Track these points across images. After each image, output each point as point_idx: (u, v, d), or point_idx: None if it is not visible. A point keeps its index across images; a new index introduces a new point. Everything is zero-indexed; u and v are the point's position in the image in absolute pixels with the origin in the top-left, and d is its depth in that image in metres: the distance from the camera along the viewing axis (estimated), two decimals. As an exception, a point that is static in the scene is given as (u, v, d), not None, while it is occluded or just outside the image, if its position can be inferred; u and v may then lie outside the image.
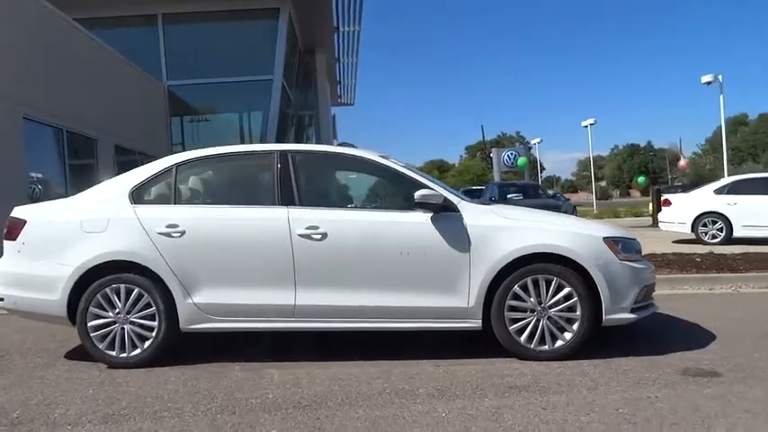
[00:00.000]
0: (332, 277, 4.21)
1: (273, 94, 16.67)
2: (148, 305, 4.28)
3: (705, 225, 12.69)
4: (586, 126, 39.08)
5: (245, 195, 4.58)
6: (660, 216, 14.00)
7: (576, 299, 4.14)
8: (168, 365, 4.27)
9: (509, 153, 36.25)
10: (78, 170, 11.73)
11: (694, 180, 50.24)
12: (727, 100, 26.11)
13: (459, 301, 4.17)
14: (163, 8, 16.24)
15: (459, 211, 4.25)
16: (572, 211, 22.50)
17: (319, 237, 4.19)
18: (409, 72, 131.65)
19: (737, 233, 12.34)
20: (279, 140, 17.05)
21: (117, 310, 4.29)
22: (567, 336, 4.17)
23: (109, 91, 12.94)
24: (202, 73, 16.79)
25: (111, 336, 4.30)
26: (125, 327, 4.29)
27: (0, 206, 8.53)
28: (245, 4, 16.31)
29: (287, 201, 4.32)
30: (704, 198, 12.89)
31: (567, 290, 4.15)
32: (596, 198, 41.89)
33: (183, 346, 4.56)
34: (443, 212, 4.22)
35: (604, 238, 4.27)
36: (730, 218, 12.43)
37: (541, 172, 44.54)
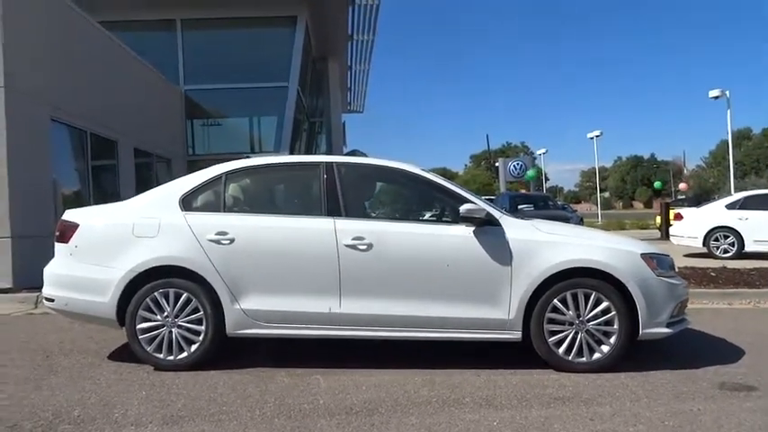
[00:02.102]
0: (376, 287, 4.33)
1: (288, 101, 16.81)
2: (196, 310, 4.40)
3: (717, 239, 12.82)
4: (592, 138, 39.33)
5: (292, 205, 4.71)
6: (672, 230, 14.12)
7: (613, 313, 4.25)
8: (213, 369, 4.38)
9: (515, 163, 36.35)
10: (100, 171, 11.87)
11: (698, 193, 50.42)
12: (737, 114, 26.23)
13: (499, 312, 4.28)
14: (182, 14, 16.40)
15: (500, 224, 4.38)
16: (579, 222, 22.61)
17: (365, 247, 4.31)
18: (416, 80, 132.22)
19: (749, 248, 12.47)
20: (291, 147, 17.19)
21: (165, 314, 4.41)
22: (605, 349, 4.28)
23: (129, 94, 13.08)
24: (219, 78, 16.94)
25: (158, 339, 4.42)
26: (173, 330, 4.41)
27: (30, 206, 8.77)
28: (264, 12, 16.47)
29: (333, 211, 4.44)
30: (716, 213, 13.03)
31: (605, 304, 4.26)
32: (602, 209, 41.95)
33: (226, 352, 4.67)
34: (486, 226, 4.35)
35: (642, 254, 4.38)
36: (742, 233, 12.57)
37: (546, 182, 44.68)
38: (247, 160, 4.85)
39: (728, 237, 12.70)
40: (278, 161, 4.81)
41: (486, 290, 4.29)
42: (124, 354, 4.87)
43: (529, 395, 3.80)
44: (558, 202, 27.14)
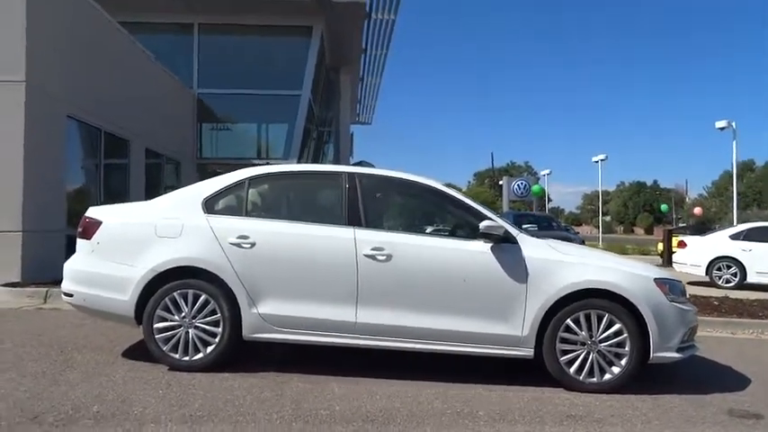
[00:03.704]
0: (393, 298, 4.39)
1: (300, 109, 16.94)
2: (214, 312, 4.46)
3: (720, 269, 12.89)
4: (597, 161, 39.45)
5: (313, 213, 4.78)
6: (675, 257, 14.20)
7: (625, 335, 4.31)
8: (228, 372, 4.43)
9: (519, 182, 36.46)
10: (111, 170, 11.96)
11: (699, 222, 50.48)
12: (740, 145, 26.43)
13: (513, 329, 4.34)
14: (200, 18, 16.58)
15: (517, 242, 4.45)
16: (581, 244, 22.67)
17: (384, 258, 4.38)
18: (424, 95, 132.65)
19: (751, 279, 12.54)
20: (300, 155, 17.30)
21: (183, 315, 4.46)
22: (615, 370, 4.34)
23: (143, 94, 13.19)
24: (232, 83, 17.07)
25: (175, 339, 4.47)
26: (190, 331, 4.46)
27: (42, 201, 8.84)
28: (281, 21, 16.64)
29: (354, 221, 4.52)
30: (720, 242, 13.12)
31: (617, 326, 4.32)
32: (603, 233, 42.00)
33: (240, 355, 4.72)
34: (503, 243, 4.42)
35: (655, 279, 4.46)
36: (745, 263, 12.65)
37: (548, 203, 44.83)
38: (270, 167, 4.93)
39: (731, 267, 12.78)
40: (301, 169, 4.89)
41: (501, 306, 4.35)
42: (137, 352, 4.93)
43: (542, 412, 3.85)
44: (562, 224, 27.20)
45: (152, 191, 14.20)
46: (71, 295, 4.70)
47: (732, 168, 28.79)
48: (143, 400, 3.79)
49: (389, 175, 4.78)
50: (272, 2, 15.59)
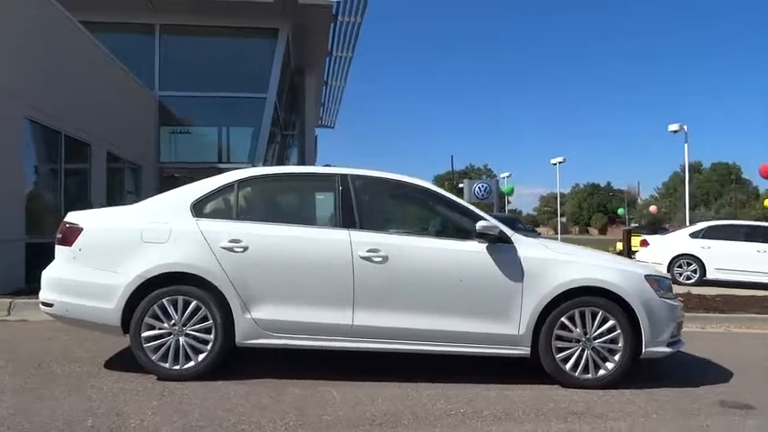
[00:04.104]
0: (390, 300, 4.35)
1: (266, 112, 16.70)
2: (205, 318, 4.32)
3: (680, 266, 13.30)
4: (556, 164, 40.31)
5: (306, 215, 4.71)
6: (638, 255, 14.58)
7: (619, 331, 4.39)
8: (220, 380, 4.30)
9: (480, 185, 36.90)
10: (72, 176, 11.53)
11: (651, 221, 52.13)
12: (690, 148, 27.47)
13: (510, 328, 4.36)
14: (162, 19, 16.16)
15: (512, 242, 4.47)
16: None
17: (380, 260, 4.34)
18: (384, 99, 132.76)
19: (710, 276, 12.99)
20: (265, 159, 17.07)
21: (173, 322, 4.32)
22: (609, 366, 4.41)
23: (105, 96, 12.78)
24: (195, 86, 16.71)
25: (165, 347, 4.32)
26: (180, 339, 4.32)
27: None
28: (245, 22, 16.38)
29: (348, 223, 4.46)
30: (680, 241, 13.54)
31: (610, 322, 4.39)
32: (561, 233, 42.93)
33: (228, 362, 4.59)
34: (498, 243, 4.43)
35: (645, 276, 4.55)
36: (704, 261, 13.09)
37: (507, 205, 45.53)
38: (260, 168, 4.82)
39: (691, 264, 13.19)
40: (292, 171, 4.82)
41: (497, 305, 4.36)
42: (121, 363, 4.74)
43: (544, 409, 3.88)
44: (527, 226, 27.64)
45: (113, 197, 13.80)
46: (51, 305, 4.48)
47: (685, 170, 29.88)
48: (138, 412, 3.64)
49: (383, 176, 4.74)
50: (236, 3, 15.34)
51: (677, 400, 4.21)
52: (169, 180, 16.97)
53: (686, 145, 27.73)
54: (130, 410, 3.66)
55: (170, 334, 4.32)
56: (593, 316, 4.40)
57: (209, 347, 4.32)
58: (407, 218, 5.01)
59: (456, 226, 4.65)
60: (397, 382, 4.41)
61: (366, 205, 4.61)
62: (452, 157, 54.25)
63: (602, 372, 4.40)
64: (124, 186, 14.46)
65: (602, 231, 79.72)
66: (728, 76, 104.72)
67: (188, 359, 4.33)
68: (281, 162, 22.57)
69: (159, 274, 4.30)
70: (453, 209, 4.69)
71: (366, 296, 4.33)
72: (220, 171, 16.45)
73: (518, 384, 4.43)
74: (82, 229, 4.47)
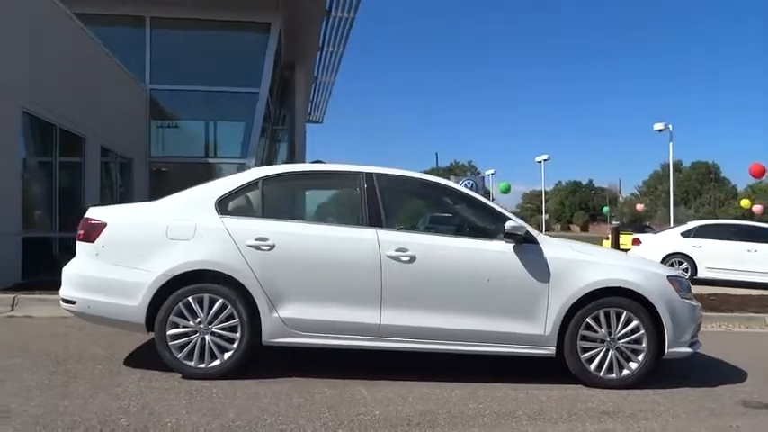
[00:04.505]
0: (417, 299, 4.36)
1: (258, 107, 16.54)
2: (231, 317, 4.29)
3: (672, 265, 13.47)
4: (540, 161, 40.64)
5: (331, 214, 4.69)
6: (630, 254, 14.76)
7: (642, 332, 4.44)
8: (246, 379, 4.26)
9: (466, 182, 36.87)
10: (66, 169, 11.35)
11: (632, 219, 52.76)
12: (666, 146, 27.93)
13: (536, 328, 4.39)
14: (152, 11, 15.91)
15: (538, 242, 4.50)
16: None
17: (407, 259, 4.34)
18: (371, 96, 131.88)
19: (701, 274, 13.20)
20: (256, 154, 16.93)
21: (198, 320, 4.27)
22: (633, 366, 4.46)
23: (99, 90, 12.58)
24: (186, 80, 16.49)
25: (190, 345, 4.27)
26: (206, 337, 4.28)
27: None
28: (237, 16, 16.21)
29: (374, 222, 4.44)
30: (672, 240, 13.74)
31: (634, 323, 4.44)
32: (545, 230, 43.32)
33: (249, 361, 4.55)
34: (524, 243, 4.46)
35: (667, 277, 4.61)
36: (695, 260, 13.30)
37: (492, 201, 45.77)
38: (283, 166, 4.79)
39: (683, 263, 13.39)
40: (315, 169, 4.77)
41: (524, 305, 4.39)
42: (140, 360, 4.69)
43: (575, 409, 3.91)
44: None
45: (106, 190, 13.62)
46: (73, 302, 4.41)
47: (669, 169, 30.30)
48: (171, 410, 3.60)
49: (409, 175, 4.74)
50: (229, -4, 15.19)
51: (700, 400, 4.27)
52: (157, 174, 16.79)
53: (671, 144, 28.18)
54: (162, 409, 3.61)
55: (195, 332, 4.28)
56: (618, 316, 4.44)
57: (234, 346, 4.29)
58: (432, 217, 4.99)
59: (481, 226, 4.67)
60: (424, 381, 4.41)
61: (392, 204, 4.61)
62: (437, 154, 54.37)
63: (625, 372, 4.46)
64: (116, 180, 14.26)
65: (584, 229, 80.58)
66: (709, 77, 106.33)
67: (213, 358, 4.29)
68: (270, 157, 22.43)
69: (186, 272, 4.25)
70: (479, 209, 4.71)
71: (394, 295, 4.33)
72: (211, 166, 16.32)
73: (543, 384, 4.47)
74: (105, 225, 4.40)
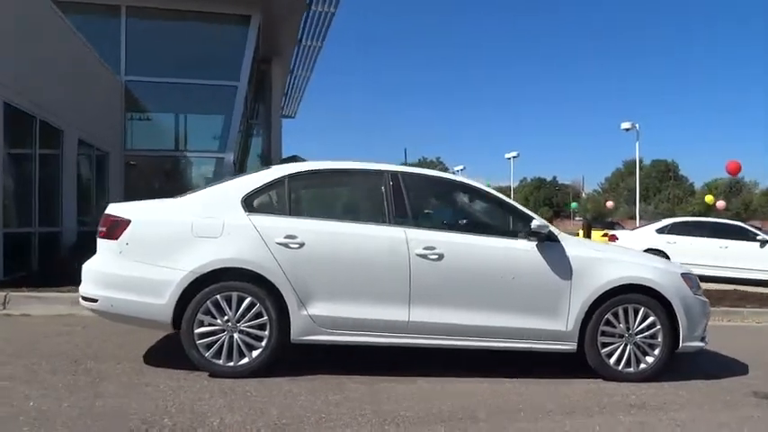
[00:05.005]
0: (445, 297, 4.42)
1: (237, 101, 16.32)
2: (259, 315, 4.27)
3: (647, 261, 13.91)
4: (509, 158, 41.23)
5: (358, 212, 4.69)
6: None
7: (659, 327, 4.60)
8: (273, 377, 4.25)
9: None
10: (45, 163, 11.01)
11: (595, 215, 53.94)
12: (630, 144, 28.74)
13: (558, 324, 4.50)
14: (128, 0, 15.57)
15: (559, 241, 4.61)
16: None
17: (436, 257, 4.39)
18: (340, 91, 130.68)
19: (675, 270, 13.62)
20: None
21: (226, 318, 4.24)
22: (649, 360, 4.62)
23: (76, 81, 12.23)
24: (163, 72, 16.13)
25: (218, 344, 4.24)
26: (234, 335, 4.25)
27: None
28: (216, 8, 15.95)
29: (401, 221, 4.48)
30: (647, 236, 14.17)
31: (651, 318, 4.60)
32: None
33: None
34: (547, 242, 4.56)
35: (681, 274, 4.78)
36: (670, 256, 13.71)
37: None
38: (307, 164, 4.76)
39: (658, 259, 13.80)
40: (340, 166, 4.77)
41: (547, 302, 4.50)
42: (161, 359, 4.63)
43: (603, 402, 4.05)
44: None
45: (84, 184, 13.26)
46: (94, 300, 4.32)
47: (634, 166, 31.24)
48: (212, 410, 3.58)
49: (434, 174, 4.80)
50: (209, -12, 14.94)
51: (714, 391, 4.47)
52: (133, 168, 16.45)
53: (637, 143, 28.98)
54: (202, 409, 3.59)
55: (223, 330, 4.25)
56: (636, 312, 4.60)
57: (263, 344, 4.27)
58: (457, 216, 5.05)
59: (505, 224, 4.75)
60: (448, 377, 4.49)
61: (418, 203, 4.65)
62: (405, 149, 54.53)
63: (642, 366, 4.61)
64: (93, 174, 13.90)
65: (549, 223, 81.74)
66: (669, 76, 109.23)
67: (242, 356, 4.27)
68: (245, 151, 22.17)
69: (215, 270, 4.22)
70: (502, 208, 4.80)
71: (422, 293, 4.38)
72: (189, 160, 16.04)
73: (561, 379, 4.59)
74: (129, 222, 4.32)
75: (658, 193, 64.58)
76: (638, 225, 25.29)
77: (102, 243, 4.40)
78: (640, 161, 72.71)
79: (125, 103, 16.00)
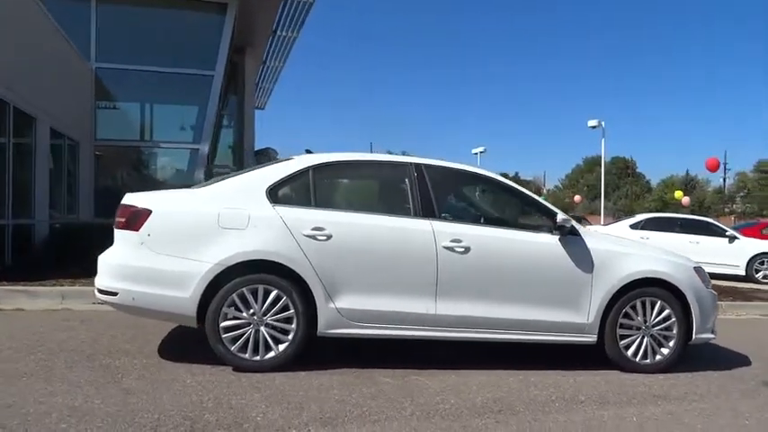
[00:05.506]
0: (471, 289, 4.43)
1: (213, 91, 15.93)
2: (286, 308, 4.20)
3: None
4: (476, 153, 41.55)
5: (382, 204, 4.65)
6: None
7: (674, 320, 4.72)
8: (299, 371, 4.19)
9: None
10: (19, 150, 10.57)
11: (562, 210, 54.37)
12: (591, 142, 29.45)
13: (580, 317, 4.58)
14: (99, -17, 15.03)
15: (580, 235, 4.68)
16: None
17: (462, 250, 4.40)
18: (305, 85, 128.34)
19: (647, 265, 14.02)
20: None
21: (252, 311, 4.16)
22: (665, 351, 4.74)
23: (48, 65, 11.77)
24: (135, 59, 15.61)
25: (244, 338, 4.16)
26: (261, 329, 4.17)
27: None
28: (193, -5, 15.61)
29: (427, 213, 4.47)
30: (621, 232, 14.49)
31: (667, 311, 4.72)
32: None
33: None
34: (569, 236, 4.62)
35: (694, 268, 4.92)
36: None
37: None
38: (330, 155, 4.69)
39: (631, 253, 14.17)
40: (364, 158, 4.72)
41: (570, 295, 4.56)
42: (175, 353, 4.53)
43: (629, 393, 4.13)
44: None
45: (56, 174, 12.79)
46: (114, 293, 4.17)
47: (594, 162, 31.92)
48: (249, 405, 3.51)
49: (458, 167, 4.79)
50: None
51: (728, 382, 4.62)
52: (103, 158, 15.95)
53: (603, 140, 29.65)
54: (240, 404, 3.51)
55: (249, 324, 4.16)
56: (653, 305, 4.70)
57: (290, 337, 4.21)
58: (480, 209, 5.07)
59: (527, 218, 4.79)
60: (472, 369, 4.51)
61: (443, 195, 4.65)
62: (371, 143, 54.39)
63: (658, 357, 4.73)
64: (65, 165, 13.41)
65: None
66: (628, 76, 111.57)
67: (268, 350, 4.20)
68: (215, 142, 21.74)
69: (242, 262, 4.12)
70: (526, 202, 4.84)
71: (448, 286, 4.38)
72: (162, 151, 15.63)
73: (581, 371, 4.65)
74: (151, 213, 4.18)
75: (617, 189, 66.27)
76: (601, 221, 25.97)
77: (120, 234, 4.25)
78: (599, 157, 74.49)
79: (95, 91, 15.48)
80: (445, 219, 4.51)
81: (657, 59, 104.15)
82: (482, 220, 4.74)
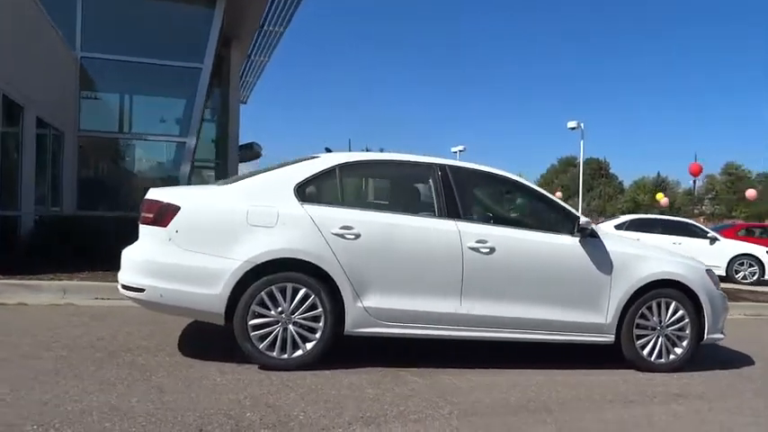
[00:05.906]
0: (495, 290, 4.49)
1: (200, 84, 15.69)
2: (314, 306, 4.20)
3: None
4: (455, 152, 41.81)
5: (408, 204, 4.67)
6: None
7: (687, 320, 4.85)
8: (326, 369, 4.19)
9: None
10: (6, 139, 10.33)
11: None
12: (569, 143, 29.96)
13: (599, 317, 4.67)
14: (85, -29, 14.69)
15: (599, 237, 4.77)
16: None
17: (487, 251, 4.45)
18: (285, 82, 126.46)
19: (631, 265, 14.31)
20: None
21: (280, 310, 4.15)
22: (678, 351, 4.87)
23: (35, 54, 11.49)
24: (122, 50, 15.30)
25: (272, 336, 4.15)
26: (289, 327, 4.16)
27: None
28: (182, -14, 15.37)
29: (453, 214, 4.51)
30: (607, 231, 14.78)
31: (681, 312, 4.85)
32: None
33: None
34: (590, 238, 4.71)
35: (705, 270, 5.05)
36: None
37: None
38: (357, 154, 4.69)
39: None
40: (389, 158, 4.74)
41: (589, 296, 4.65)
42: (195, 350, 4.49)
43: (650, 393, 4.25)
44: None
45: (42, 165, 12.50)
46: (141, 290, 4.12)
47: (571, 163, 32.43)
48: (289, 404, 3.51)
49: (482, 169, 4.83)
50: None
51: (738, 381, 4.78)
52: (87, 150, 15.64)
53: (582, 141, 30.12)
54: (277, 403, 3.51)
55: (277, 322, 4.15)
56: (667, 306, 4.82)
57: (317, 336, 4.21)
58: (504, 210, 5.12)
59: (549, 220, 4.86)
60: (498, 368, 4.60)
61: (467, 196, 4.69)
62: (350, 140, 54.32)
63: (672, 357, 4.86)
64: (50, 156, 13.12)
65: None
66: (600, 79, 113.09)
67: (295, 348, 4.19)
68: (198, 136, 21.45)
69: (272, 260, 4.11)
70: (548, 204, 4.91)
71: (473, 286, 4.43)
72: (148, 143, 15.40)
73: (599, 370, 4.78)
74: (179, 209, 4.13)
75: (591, 190, 67.27)
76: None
77: (146, 230, 4.20)
78: (574, 158, 75.46)
79: (80, 80, 15.15)
80: (470, 219, 4.55)
81: (629, 62, 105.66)
82: (506, 222, 4.79)
